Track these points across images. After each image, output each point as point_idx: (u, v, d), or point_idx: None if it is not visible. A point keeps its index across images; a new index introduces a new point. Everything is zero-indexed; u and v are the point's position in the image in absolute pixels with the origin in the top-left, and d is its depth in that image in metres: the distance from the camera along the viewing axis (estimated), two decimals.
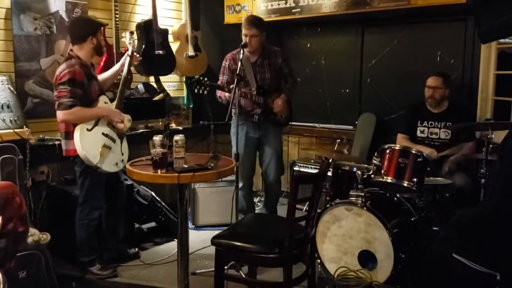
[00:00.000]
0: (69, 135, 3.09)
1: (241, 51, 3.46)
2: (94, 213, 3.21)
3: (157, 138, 2.63)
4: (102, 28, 3.23)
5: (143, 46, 4.12)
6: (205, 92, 3.45)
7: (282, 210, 4.27)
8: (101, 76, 3.39)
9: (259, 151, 3.97)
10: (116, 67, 3.46)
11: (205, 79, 3.46)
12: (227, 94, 3.63)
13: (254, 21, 3.66)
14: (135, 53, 3.42)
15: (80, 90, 3.02)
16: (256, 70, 3.76)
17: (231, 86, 3.45)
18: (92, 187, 3.17)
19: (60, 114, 3.00)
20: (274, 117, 3.83)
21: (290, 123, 4.05)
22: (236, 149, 3.42)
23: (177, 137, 2.79)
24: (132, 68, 4.15)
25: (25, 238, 2.50)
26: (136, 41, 3.54)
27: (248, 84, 3.73)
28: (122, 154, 3.26)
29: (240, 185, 3.77)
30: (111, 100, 3.27)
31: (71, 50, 3.18)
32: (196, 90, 3.44)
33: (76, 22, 3.28)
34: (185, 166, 2.61)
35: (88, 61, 3.19)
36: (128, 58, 3.37)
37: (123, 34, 3.64)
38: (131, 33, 3.56)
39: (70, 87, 2.97)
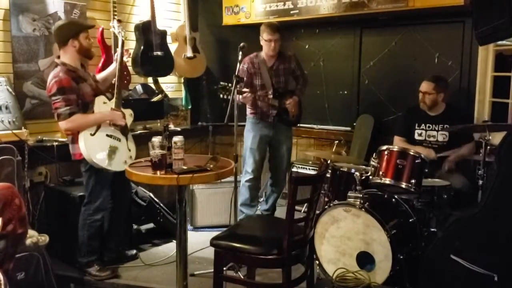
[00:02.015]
0: (74, 140, 3.11)
1: (240, 53, 3.48)
2: (98, 214, 3.21)
3: (156, 140, 2.63)
4: (86, 30, 3.17)
5: (142, 47, 4.12)
6: (229, 97, 3.52)
7: (280, 211, 4.28)
8: (99, 76, 3.39)
9: (270, 147, 4.12)
10: (113, 65, 3.44)
11: (229, 84, 3.55)
12: (240, 96, 3.72)
13: (277, 26, 3.86)
14: (125, 49, 3.40)
15: (73, 95, 3.01)
16: (272, 74, 3.93)
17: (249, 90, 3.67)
18: (96, 187, 3.17)
19: (62, 124, 3.02)
20: (287, 118, 4.01)
21: (299, 122, 4.23)
22: (251, 147, 3.63)
23: (176, 139, 2.79)
24: (130, 69, 4.16)
25: (24, 239, 2.51)
26: (123, 31, 3.49)
27: (265, 87, 3.90)
28: (130, 151, 3.26)
29: (250, 177, 3.97)
30: (110, 99, 3.25)
31: (58, 57, 3.16)
32: (221, 96, 3.58)
33: (57, 27, 3.22)
34: (184, 167, 2.61)
35: (76, 65, 3.15)
36: (119, 50, 3.34)
37: (110, 24, 3.59)
38: (119, 21, 3.52)
39: (61, 95, 2.98)
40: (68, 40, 3.10)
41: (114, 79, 3.41)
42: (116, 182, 3.27)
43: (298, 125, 4.81)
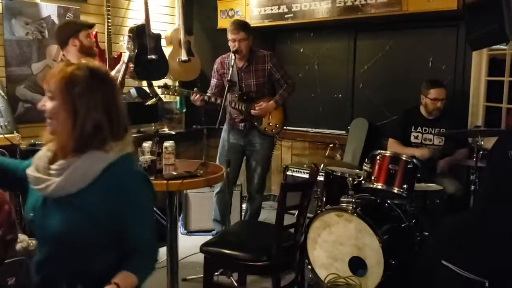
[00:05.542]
0: None
1: (232, 57, 3.45)
2: None
3: (147, 145, 2.63)
4: (86, 28, 3.16)
5: (136, 51, 4.11)
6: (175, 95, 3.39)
7: (272, 215, 4.27)
8: None
9: (244, 157, 3.86)
10: (112, 72, 3.43)
11: (176, 85, 3.42)
12: (198, 98, 3.56)
13: (241, 24, 3.60)
14: (130, 63, 3.36)
15: None
16: (242, 76, 3.65)
17: (218, 91, 3.49)
18: None
19: None
20: (258, 126, 3.70)
21: (281, 131, 3.86)
22: (227, 155, 3.39)
23: (166, 144, 2.79)
24: None
25: (14, 245, 2.50)
26: (132, 47, 3.44)
27: (233, 90, 3.59)
28: None
29: (217, 190, 3.76)
30: None
31: (63, 55, 3.17)
32: (163, 97, 3.42)
33: (57, 28, 3.26)
34: (174, 173, 2.61)
35: None
36: (124, 66, 3.34)
37: (121, 38, 3.58)
38: (130, 36, 3.48)
39: None
40: (68, 39, 3.09)
41: None
42: None
43: (292, 128, 4.78)
